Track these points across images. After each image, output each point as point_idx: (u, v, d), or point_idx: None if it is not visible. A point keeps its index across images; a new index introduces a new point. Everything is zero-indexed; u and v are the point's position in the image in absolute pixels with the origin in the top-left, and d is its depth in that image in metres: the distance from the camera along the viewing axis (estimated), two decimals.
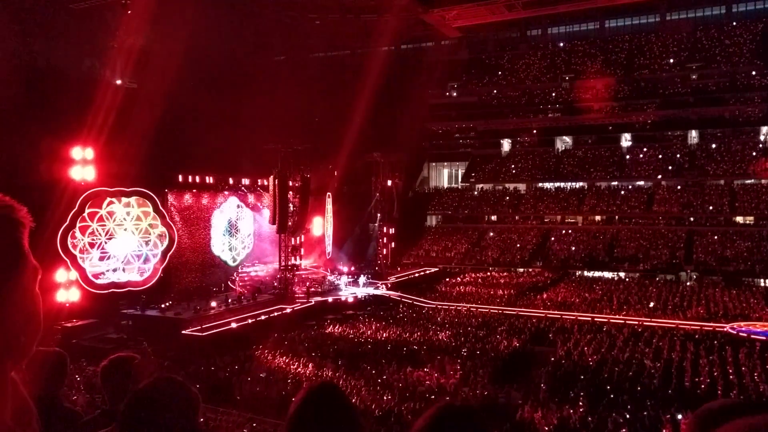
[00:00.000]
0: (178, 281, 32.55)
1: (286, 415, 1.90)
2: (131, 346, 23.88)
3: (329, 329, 28.38)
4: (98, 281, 28.23)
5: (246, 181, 38.25)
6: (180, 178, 33.79)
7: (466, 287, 38.57)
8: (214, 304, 29.34)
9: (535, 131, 59.36)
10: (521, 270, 44.98)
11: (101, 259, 28.59)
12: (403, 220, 45.95)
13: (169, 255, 31.16)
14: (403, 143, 50.36)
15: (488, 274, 43.49)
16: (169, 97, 32.99)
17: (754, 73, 51.92)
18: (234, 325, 27.14)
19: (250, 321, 28.09)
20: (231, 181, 37.19)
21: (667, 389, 19.12)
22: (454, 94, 63.82)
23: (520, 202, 54.37)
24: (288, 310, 30.56)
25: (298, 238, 34.96)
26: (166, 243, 30.92)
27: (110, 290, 28.73)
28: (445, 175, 65.08)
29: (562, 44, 63.65)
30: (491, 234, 51.67)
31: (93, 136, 27.99)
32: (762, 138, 50.53)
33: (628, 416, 16.95)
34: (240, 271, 38.03)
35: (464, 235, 51.93)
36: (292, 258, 34.07)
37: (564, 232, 49.55)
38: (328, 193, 41.97)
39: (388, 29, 54.29)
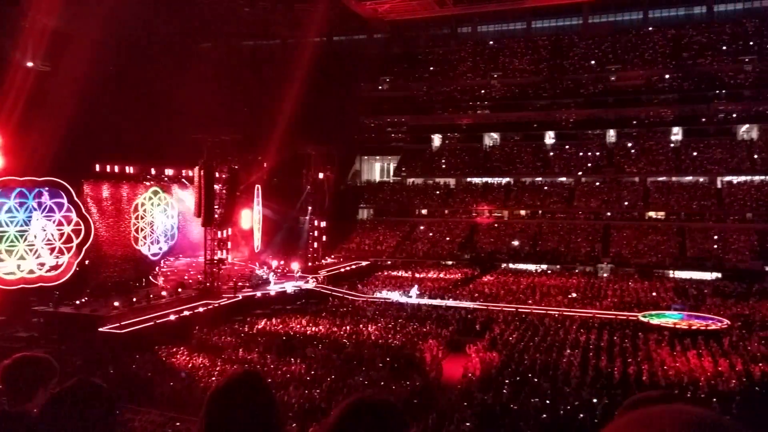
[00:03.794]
0: (95, 276, 30.93)
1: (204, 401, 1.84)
2: (43, 345, 22.58)
3: (257, 324, 27.85)
4: (6, 277, 26.44)
5: (170, 172, 36.84)
6: (97, 167, 32.10)
7: (396, 280, 38.88)
8: (134, 299, 28.08)
9: (464, 127, 60.53)
10: (450, 263, 45.82)
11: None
12: (335, 214, 45.70)
13: (85, 249, 29.56)
14: (335, 136, 50.09)
15: (417, 267, 43.93)
16: (87, 82, 31.22)
17: (667, 76, 55.07)
18: (156, 321, 26.07)
19: (172, 317, 27.10)
20: (153, 171, 35.71)
21: (585, 375, 20.04)
22: (386, 87, 64.02)
23: (450, 196, 55.39)
24: (213, 306, 29.72)
25: (224, 232, 34.02)
26: (81, 236, 29.33)
27: (20, 286, 26.99)
28: (377, 169, 65.30)
29: (491, 42, 65.13)
30: (422, 227, 52.36)
31: (1, 122, 26.18)
32: (672, 138, 53.68)
33: (548, 401, 17.66)
34: (163, 265, 36.67)
35: (395, 229, 52.34)
36: (219, 252, 33.13)
37: (490, 226, 50.90)
38: (257, 186, 41.09)
39: (320, 20, 53.67)
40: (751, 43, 54.07)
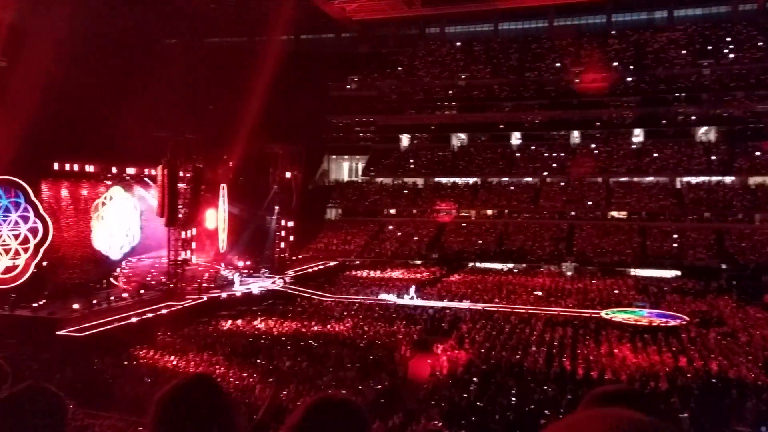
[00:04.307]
0: (53, 278, 30.00)
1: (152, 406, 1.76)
2: None
3: (223, 326, 27.44)
4: None
5: (131, 171, 36.01)
6: (56, 166, 31.12)
7: (365, 280, 38.82)
8: (94, 302, 27.35)
9: (432, 127, 60.82)
10: (418, 262, 45.98)
11: None
12: (302, 213, 45.34)
13: (42, 249, 28.66)
14: (303, 135, 49.66)
15: (386, 267, 43.95)
16: (46, 79, 30.28)
17: (629, 79, 56.34)
18: (117, 324, 25.44)
19: (135, 319, 26.49)
20: (114, 170, 34.83)
21: (550, 372, 20.33)
22: (355, 87, 63.88)
23: (418, 195, 55.59)
24: (177, 307, 29.16)
25: (189, 232, 33.44)
26: (39, 237, 28.43)
27: None
28: (345, 169, 65.10)
29: (459, 44, 65.61)
30: (390, 227, 52.41)
31: None
32: (634, 139, 54.95)
33: (514, 399, 17.87)
34: (124, 266, 35.82)
35: (364, 229, 52.27)
36: (183, 252, 32.53)
37: (458, 225, 51.27)
38: (223, 185, 40.46)
39: (287, 18, 53.23)
40: (710, 47, 55.73)
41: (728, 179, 48.99)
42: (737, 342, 23.42)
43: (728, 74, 53.58)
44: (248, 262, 40.79)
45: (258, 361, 21.96)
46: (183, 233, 32.56)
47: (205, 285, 33.61)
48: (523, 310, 29.64)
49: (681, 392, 17.98)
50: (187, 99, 42.18)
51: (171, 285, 31.53)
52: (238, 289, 34.44)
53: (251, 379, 19.98)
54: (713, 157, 50.43)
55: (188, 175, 32.61)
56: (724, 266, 40.35)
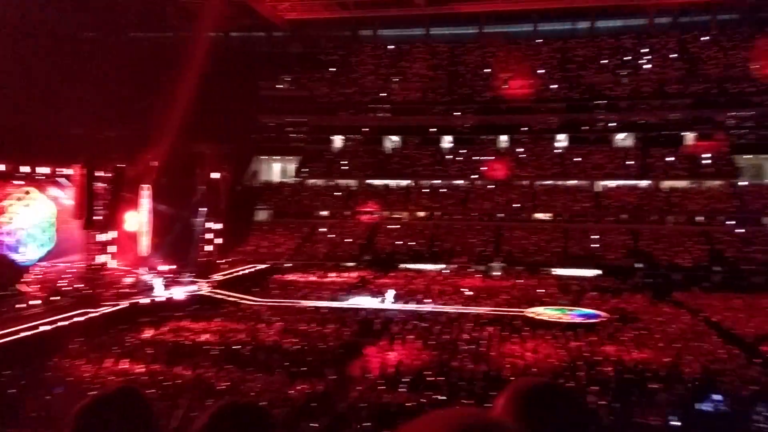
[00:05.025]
0: None
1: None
2: None
3: (144, 333, 26.23)
4: None
5: (45, 170, 33.84)
6: None
7: (295, 284, 38.29)
8: (2, 309, 25.49)
9: (365, 129, 60.89)
10: (350, 264, 45.83)
11: None
12: (231, 216, 44.19)
13: None
14: (232, 135, 48.52)
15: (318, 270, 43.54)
16: None
17: (554, 86, 58.52)
18: (26, 333, 23.81)
19: (47, 327, 24.88)
20: (26, 169, 32.61)
21: (477, 369, 20.67)
22: (286, 87, 63.02)
23: (351, 197, 55.46)
24: (95, 314, 27.65)
25: (108, 235, 31.84)
26: None
27: None
28: (276, 170, 64.05)
29: (391, 47, 66.06)
30: (322, 229, 51.98)
31: None
32: (557, 144, 57.09)
33: (444, 398, 18.03)
34: (37, 271, 33.61)
35: (295, 231, 51.60)
36: (101, 256, 30.92)
37: (390, 227, 51.55)
38: (146, 186, 38.82)
39: (216, 14, 51.78)
40: (628, 57, 58.80)
41: (643, 183, 51.82)
42: (651, 336, 24.68)
43: (644, 83, 56.71)
44: (172, 266, 39.27)
45: (182, 369, 21.10)
46: (101, 236, 30.95)
47: (124, 290, 32.06)
48: (453, 310, 30.08)
49: (599, 385, 18.71)
50: (108, 95, 40.16)
51: (88, 291, 29.88)
52: (161, 295, 33.08)
53: (174, 388, 19.17)
54: (630, 162, 53.15)
55: (108, 175, 31.05)
56: (639, 265, 42.58)
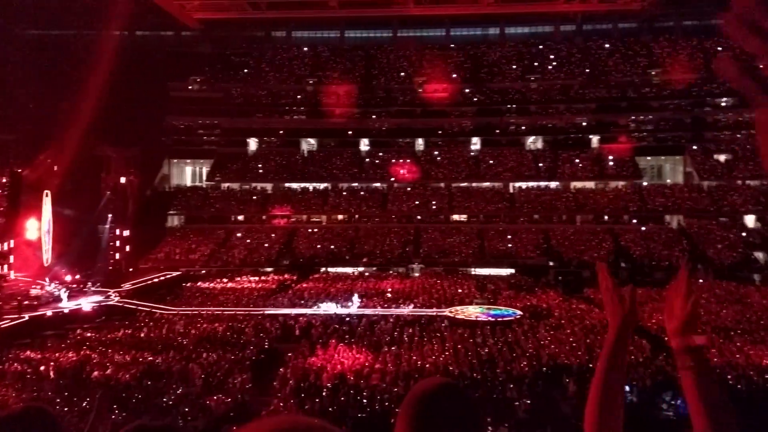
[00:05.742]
0: None
1: None
2: None
3: (48, 349, 24.46)
4: None
5: None
6: None
7: (210, 291, 37.10)
8: None
9: (281, 132, 60.01)
10: (269, 269, 45.00)
11: None
12: (140, 221, 42.16)
13: None
14: (140, 137, 46.29)
15: (235, 277, 42.43)
16: None
17: (467, 90, 60.28)
18: None
19: None
20: None
21: (399, 370, 20.87)
22: (197, 88, 60.98)
23: (268, 201, 54.47)
24: None
25: (6, 244, 29.50)
26: None
27: None
28: (188, 173, 61.79)
29: (306, 48, 65.57)
30: (238, 234, 50.70)
31: None
32: (472, 147, 58.83)
33: (364, 400, 18.09)
34: None
35: (209, 236, 49.97)
36: None
37: (309, 231, 51.11)
38: (47, 191, 36.27)
39: (120, 11, 49.24)
40: (536, 63, 61.60)
41: (553, 184, 54.43)
42: (563, 331, 25.89)
43: (552, 88, 59.63)
44: (77, 276, 36.95)
45: (91, 384, 19.86)
46: None
47: (26, 302, 29.82)
48: (373, 313, 30.21)
49: (515, 380, 19.44)
50: (2, 96, 37.26)
51: None
52: (66, 306, 31.03)
53: (84, 405, 18.01)
54: (540, 164, 55.66)
55: (4, 180, 28.78)
56: (551, 263, 44.61)
